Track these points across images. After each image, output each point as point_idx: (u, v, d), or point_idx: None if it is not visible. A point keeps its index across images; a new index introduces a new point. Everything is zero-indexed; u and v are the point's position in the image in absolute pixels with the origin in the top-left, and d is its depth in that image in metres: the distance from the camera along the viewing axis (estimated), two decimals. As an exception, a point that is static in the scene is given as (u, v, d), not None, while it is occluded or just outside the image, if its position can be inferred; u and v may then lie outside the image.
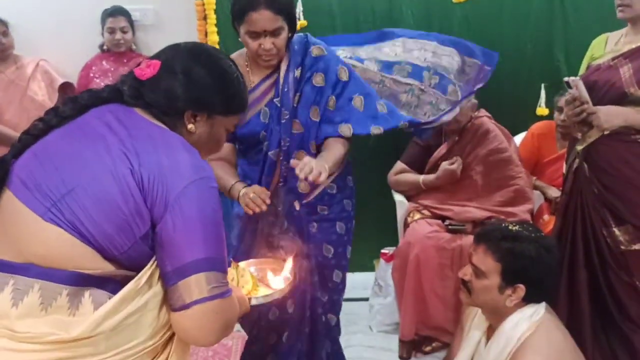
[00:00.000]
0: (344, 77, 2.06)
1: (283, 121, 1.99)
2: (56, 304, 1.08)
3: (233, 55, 1.94)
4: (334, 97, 2.03)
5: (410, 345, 2.83)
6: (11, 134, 3.12)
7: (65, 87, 3.41)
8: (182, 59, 1.25)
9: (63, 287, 1.08)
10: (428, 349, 2.85)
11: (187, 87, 1.23)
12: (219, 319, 1.14)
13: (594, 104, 2.16)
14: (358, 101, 2.06)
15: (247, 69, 2.00)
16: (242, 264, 1.64)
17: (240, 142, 2.08)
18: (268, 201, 1.85)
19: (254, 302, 1.49)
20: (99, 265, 1.10)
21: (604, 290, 2.23)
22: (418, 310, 2.78)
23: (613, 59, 2.19)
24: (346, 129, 2.02)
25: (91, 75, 3.38)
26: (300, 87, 2.00)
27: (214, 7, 3.44)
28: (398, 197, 3.08)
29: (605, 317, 2.27)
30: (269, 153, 2.00)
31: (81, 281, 1.09)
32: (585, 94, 2.17)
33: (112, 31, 3.34)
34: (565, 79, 2.22)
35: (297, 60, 2.00)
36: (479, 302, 1.70)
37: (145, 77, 1.23)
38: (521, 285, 1.61)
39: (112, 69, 3.38)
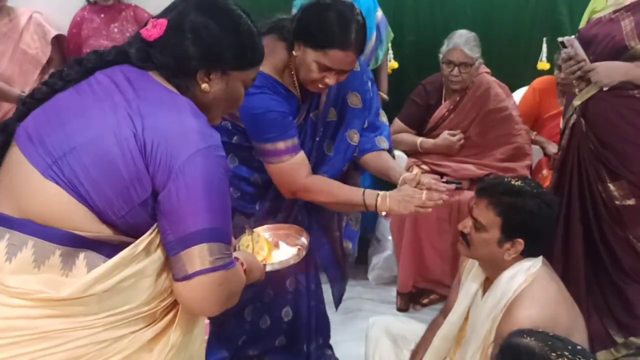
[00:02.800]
0: (371, 92, 1.98)
1: (317, 139, 1.89)
2: (49, 263, 1.07)
3: (269, 57, 1.55)
4: (367, 118, 1.96)
5: (408, 298, 2.89)
6: (3, 87, 3.09)
7: (59, 39, 3.36)
8: (190, 14, 1.18)
9: (56, 247, 1.07)
10: (425, 301, 2.91)
11: (196, 44, 1.17)
12: (222, 290, 1.12)
13: (594, 58, 2.15)
14: (383, 116, 2.02)
15: (294, 82, 1.80)
16: (257, 229, 1.62)
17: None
18: (445, 196, 1.73)
19: (269, 267, 1.49)
20: (95, 228, 1.09)
21: (598, 244, 2.27)
22: (416, 263, 2.83)
23: (615, 11, 2.16)
24: (383, 142, 1.96)
25: (84, 34, 3.30)
26: (338, 104, 1.89)
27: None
28: (397, 153, 3.08)
29: (599, 270, 2.31)
30: None
31: (75, 242, 1.08)
32: (581, 52, 2.15)
33: None
34: (560, 39, 2.21)
35: None
36: (477, 254, 1.72)
37: (153, 38, 1.17)
38: (520, 240, 1.63)
39: (105, 25, 3.31)
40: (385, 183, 3.08)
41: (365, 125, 1.95)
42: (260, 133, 1.75)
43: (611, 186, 2.21)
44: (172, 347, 1.14)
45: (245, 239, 1.55)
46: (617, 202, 2.21)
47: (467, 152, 2.94)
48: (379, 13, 3.13)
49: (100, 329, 1.07)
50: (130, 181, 1.08)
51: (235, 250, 1.49)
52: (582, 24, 2.35)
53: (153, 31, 1.18)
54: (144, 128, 1.08)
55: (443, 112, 2.99)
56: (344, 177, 1.97)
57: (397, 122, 3.08)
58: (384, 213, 1.77)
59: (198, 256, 1.08)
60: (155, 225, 1.11)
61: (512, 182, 1.69)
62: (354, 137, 1.91)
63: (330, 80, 1.70)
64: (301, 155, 1.78)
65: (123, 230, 1.11)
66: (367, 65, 2.02)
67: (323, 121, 1.88)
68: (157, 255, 1.11)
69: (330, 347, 2.30)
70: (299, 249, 1.59)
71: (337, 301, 2.23)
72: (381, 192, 1.75)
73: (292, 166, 1.76)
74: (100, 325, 1.07)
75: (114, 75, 1.17)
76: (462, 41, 2.84)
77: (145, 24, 1.20)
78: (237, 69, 1.22)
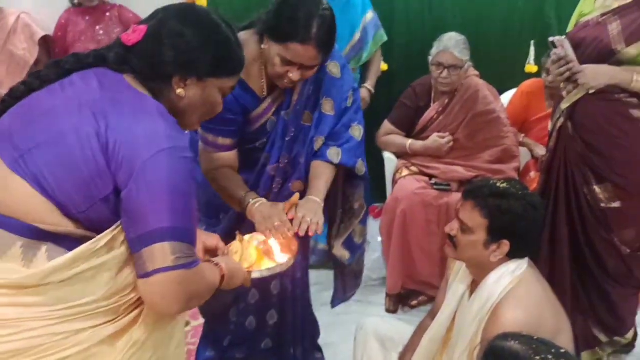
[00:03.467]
0: (350, 102, 1.91)
1: (287, 139, 1.85)
2: (10, 253, 1.10)
3: (246, 46, 1.59)
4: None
5: (397, 299, 2.90)
6: None
7: (46, 40, 3.35)
8: (170, 21, 1.22)
9: (17, 238, 1.10)
10: (414, 302, 2.92)
11: (173, 50, 1.20)
12: (182, 290, 1.13)
13: (581, 61, 2.16)
14: (357, 130, 1.92)
15: (262, 76, 1.79)
16: (247, 237, 1.62)
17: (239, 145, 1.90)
18: (292, 232, 1.67)
19: (256, 275, 1.49)
20: (57, 222, 1.11)
21: (583, 246, 2.29)
22: (405, 265, 2.84)
23: (602, 15, 2.17)
24: (335, 155, 1.86)
25: (70, 37, 3.28)
26: (311, 107, 1.85)
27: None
28: (387, 154, 3.10)
29: (584, 272, 2.33)
30: (268, 167, 1.87)
31: (37, 235, 1.10)
32: (571, 53, 2.16)
33: None
34: (551, 38, 2.21)
35: (313, 75, 1.80)
36: (464, 256, 1.73)
37: (131, 43, 1.22)
38: (506, 241, 1.64)
39: (90, 27, 3.29)
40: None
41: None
42: (206, 122, 1.73)
43: (597, 189, 2.22)
44: (135, 343, 1.16)
45: (235, 246, 1.55)
46: (602, 205, 2.22)
47: (455, 154, 2.95)
48: (369, 15, 3.14)
49: (56, 321, 1.09)
50: (91, 178, 1.10)
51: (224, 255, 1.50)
52: (570, 27, 2.36)
53: (132, 36, 1.22)
54: (108, 127, 1.11)
55: (432, 114, 3.00)
56: (349, 189, 1.98)
57: (387, 124, 3.09)
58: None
59: (159, 254, 1.10)
60: (119, 222, 1.13)
61: (498, 184, 1.70)
62: (319, 142, 1.87)
63: (294, 75, 1.68)
64: (229, 154, 1.82)
65: (86, 225, 1.13)
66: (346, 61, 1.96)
67: (295, 122, 1.85)
68: (121, 251, 1.13)
69: (320, 349, 2.30)
70: (288, 258, 1.58)
71: (335, 303, 2.22)
72: (262, 200, 1.76)
73: (219, 158, 1.82)
74: (56, 317, 1.09)
75: (87, 77, 1.21)
76: (452, 44, 2.86)
77: (127, 29, 1.25)
78: (213, 76, 1.25)
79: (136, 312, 1.17)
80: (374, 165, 3.16)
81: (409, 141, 3.01)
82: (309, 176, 1.87)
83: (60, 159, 1.11)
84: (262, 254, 1.57)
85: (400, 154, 3.06)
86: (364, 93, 3.14)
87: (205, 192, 1.94)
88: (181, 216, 1.12)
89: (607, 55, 2.13)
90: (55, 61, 1.26)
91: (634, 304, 2.40)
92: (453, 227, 1.72)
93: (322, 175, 1.84)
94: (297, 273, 2.09)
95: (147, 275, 1.11)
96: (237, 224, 1.90)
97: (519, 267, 1.66)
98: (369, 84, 3.23)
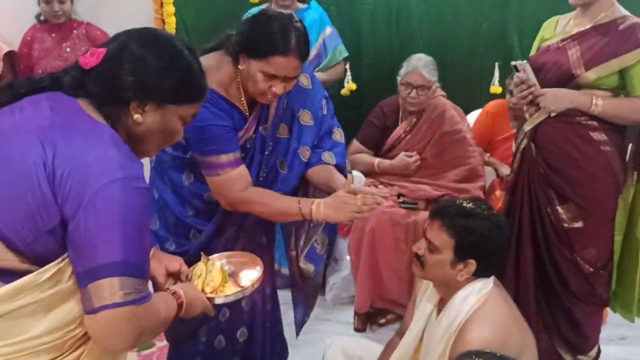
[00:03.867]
0: (325, 110, 1.98)
1: (266, 153, 1.89)
2: None
3: (211, 71, 1.66)
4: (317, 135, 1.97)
5: (365, 318, 2.90)
6: None
7: (11, 55, 3.29)
8: (131, 45, 1.18)
9: None
10: (382, 321, 2.93)
11: (132, 75, 1.16)
12: (131, 326, 1.07)
13: (543, 85, 2.21)
14: (338, 134, 2.01)
15: (241, 95, 1.80)
16: (212, 257, 1.57)
17: None
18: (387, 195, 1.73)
19: (220, 300, 1.44)
20: (1, 255, 1.06)
21: (547, 265, 2.33)
22: (373, 283, 2.85)
23: (562, 40, 2.24)
24: (330, 158, 1.94)
25: (35, 54, 3.23)
26: (287, 120, 1.90)
27: (171, -23, 3.37)
28: (355, 172, 3.12)
29: (548, 291, 2.37)
30: None
31: None
32: (532, 77, 2.22)
33: (49, 2, 3.17)
34: (513, 63, 2.27)
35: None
36: (431, 275, 1.75)
37: (89, 67, 1.17)
38: (472, 261, 1.67)
39: (56, 44, 3.24)
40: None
41: (316, 142, 1.97)
42: (201, 145, 1.75)
43: (560, 209, 2.27)
44: None
45: (199, 268, 1.49)
46: (565, 225, 2.26)
47: (422, 172, 2.99)
48: (328, 30, 3.17)
49: None
50: (37, 209, 1.05)
51: (188, 278, 1.46)
52: (533, 51, 2.43)
53: (90, 59, 1.17)
54: (55, 156, 1.06)
55: (400, 134, 3.04)
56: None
57: (355, 143, 3.11)
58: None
59: (107, 290, 1.04)
60: (65, 255, 1.07)
61: (464, 205, 1.73)
62: (306, 153, 1.92)
63: (278, 88, 1.71)
64: (241, 168, 1.79)
65: (31, 258, 1.08)
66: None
67: (272, 136, 1.88)
68: (67, 285, 1.08)
69: (288, 368, 2.29)
70: (253, 280, 1.53)
71: (298, 326, 2.21)
72: (316, 200, 1.76)
73: (231, 178, 1.77)
74: None
75: (39, 101, 1.17)
76: (421, 64, 2.91)
77: (85, 52, 1.21)
78: (173, 102, 1.21)
79: (82, 349, 1.12)
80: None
81: (377, 160, 3.04)
82: (316, 176, 1.91)
83: (5, 189, 1.06)
84: (227, 276, 1.52)
85: (368, 173, 3.08)
86: None
87: (173, 212, 1.92)
88: (132, 250, 1.07)
89: (567, 79, 2.19)
90: (10, 84, 1.22)
91: (597, 321, 2.44)
92: (420, 247, 1.74)
93: (331, 172, 1.89)
94: (267, 289, 2.08)
95: (93, 311, 1.05)
96: (210, 242, 1.89)
97: (485, 286, 1.68)
98: (317, 75, 3.17)
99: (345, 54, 3.22)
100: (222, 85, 1.77)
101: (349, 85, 3.44)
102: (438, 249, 1.69)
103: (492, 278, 1.73)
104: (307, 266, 2.07)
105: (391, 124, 3.07)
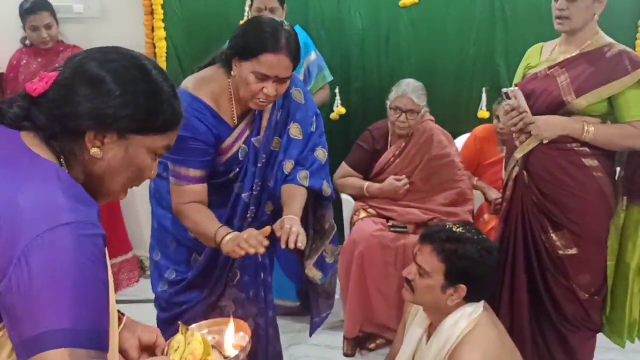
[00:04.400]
0: (314, 127, 2.00)
1: (259, 165, 1.90)
2: None
3: (204, 83, 1.80)
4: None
5: (354, 343, 2.88)
6: None
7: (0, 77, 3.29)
8: (86, 65, 1.00)
9: None
10: (372, 346, 2.91)
11: (86, 100, 0.97)
12: None
13: (532, 112, 2.23)
14: (321, 153, 2.00)
15: (232, 105, 1.83)
16: (193, 327, 1.36)
17: (210, 181, 1.87)
18: (266, 242, 1.64)
19: None
20: None
21: (542, 293, 2.32)
22: (362, 307, 2.83)
23: (549, 68, 2.26)
24: (304, 178, 1.93)
25: (22, 78, 3.21)
26: (280, 132, 1.92)
27: (162, 2, 3.40)
28: (345, 197, 3.13)
29: (543, 319, 2.35)
30: (243, 195, 1.89)
31: None
32: (524, 104, 2.23)
33: (35, 29, 3.15)
34: (504, 90, 2.28)
35: (280, 101, 1.89)
36: (421, 300, 1.75)
37: (37, 93, 0.99)
38: (463, 286, 1.67)
39: (43, 69, 3.23)
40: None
41: (300, 157, 1.96)
42: (173, 152, 1.65)
43: (554, 236, 2.26)
44: None
45: (177, 340, 1.28)
46: (560, 252, 2.26)
47: (412, 196, 3.00)
48: (313, 56, 3.20)
49: None
50: None
51: (164, 352, 1.26)
52: (517, 79, 2.44)
53: (38, 85, 1.00)
54: None
55: (389, 158, 3.06)
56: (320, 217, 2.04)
57: (345, 167, 3.12)
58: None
59: None
60: (2, 324, 0.89)
61: (454, 229, 1.74)
62: (289, 167, 1.93)
63: (269, 89, 1.71)
64: (199, 187, 1.80)
65: None
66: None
67: (266, 148, 1.89)
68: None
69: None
70: (243, 346, 1.32)
71: (313, 326, 2.25)
72: (231, 232, 1.72)
73: (185, 190, 1.79)
74: None
75: None
76: (410, 89, 2.94)
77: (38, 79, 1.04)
78: (138, 133, 1.01)
79: None
80: (332, 207, 3.19)
81: (367, 184, 3.05)
82: (281, 200, 1.89)
83: None
84: (210, 347, 1.29)
85: (358, 196, 3.09)
86: None
87: (174, 238, 1.93)
88: (84, 313, 0.87)
89: (557, 106, 2.20)
90: None
91: (591, 347, 2.43)
92: (411, 272, 1.75)
93: (296, 197, 1.86)
94: (270, 311, 2.10)
95: None
96: (209, 265, 1.90)
97: (475, 311, 1.68)
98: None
99: (330, 78, 3.24)
100: (213, 96, 1.80)
101: (339, 109, 3.46)
102: (429, 273, 1.69)
103: (482, 302, 1.73)
104: (315, 273, 2.08)
105: (380, 148, 3.09)
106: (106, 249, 0.95)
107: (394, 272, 2.81)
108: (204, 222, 1.78)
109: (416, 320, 1.81)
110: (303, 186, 1.91)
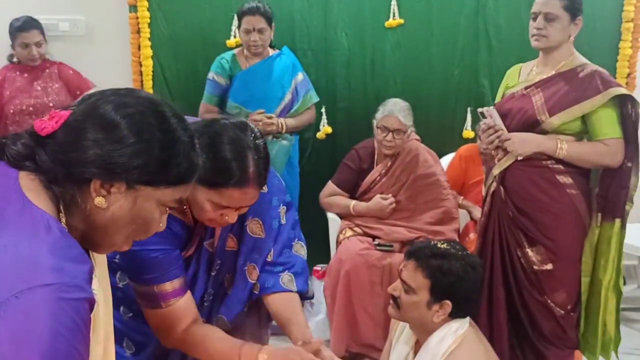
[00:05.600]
0: (283, 219, 1.63)
1: (213, 273, 1.57)
2: None
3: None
4: (272, 249, 1.61)
5: (340, 363, 2.85)
6: None
7: None
8: (100, 107, 0.92)
9: None
10: (358, 366, 2.88)
11: (96, 146, 0.90)
12: None
13: (509, 130, 2.28)
14: (300, 247, 1.68)
15: (186, 210, 1.48)
16: None
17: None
18: None
19: None
20: None
21: (519, 308, 2.33)
22: (348, 327, 2.81)
23: (526, 88, 2.31)
24: (289, 282, 1.60)
25: (7, 94, 3.20)
26: (236, 230, 1.57)
27: (148, 20, 3.41)
28: (331, 215, 3.12)
29: (520, 334, 2.36)
30: None
31: None
32: (499, 122, 2.29)
33: (26, 46, 3.17)
34: (480, 110, 2.35)
35: None
36: (407, 317, 1.74)
37: (45, 133, 0.91)
38: (448, 301, 1.67)
39: (28, 84, 3.23)
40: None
41: (269, 258, 1.61)
42: (140, 273, 1.43)
43: (529, 251, 2.29)
44: None
45: None
46: (535, 267, 2.28)
47: (398, 215, 3.00)
48: (300, 76, 3.21)
49: None
50: None
51: None
52: (498, 98, 2.50)
53: (48, 124, 0.91)
54: None
55: (375, 176, 3.07)
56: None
57: (331, 185, 3.13)
58: None
59: None
60: None
61: (439, 245, 1.75)
62: (253, 273, 1.59)
63: (231, 217, 1.40)
64: (187, 297, 1.48)
65: None
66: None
67: (220, 252, 1.56)
68: None
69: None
70: None
71: None
72: (264, 350, 1.39)
73: (176, 311, 1.44)
74: None
75: None
76: (397, 109, 2.96)
77: (44, 116, 0.95)
78: (148, 184, 0.93)
79: None
80: (318, 226, 3.19)
81: (353, 202, 3.05)
82: (273, 311, 1.57)
83: None
84: None
85: (344, 215, 3.08)
86: (278, 121, 3.05)
87: None
88: None
89: (532, 125, 2.25)
90: None
91: None
92: (396, 288, 1.74)
93: (296, 309, 1.56)
94: None
95: None
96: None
97: (461, 327, 1.68)
98: (288, 120, 3.11)
99: (316, 99, 3.25)
100: None
101: (325, 128, 3.49)
102: (413, 289, 1.69)
103: (468, 319, 1.72)
104: None
105: (366, 166, 3.10)
106: (92, 314, 0.85)
107: (380, 291, 2.80)
108: (216, 347, 1.43)
109: (402, 337, 1.81)
110: (290, 291, 1.58)
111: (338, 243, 3.00)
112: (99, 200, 0.91)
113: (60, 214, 0.91)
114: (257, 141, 1.38)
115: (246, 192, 1.36)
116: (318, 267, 3.11)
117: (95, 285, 0.92)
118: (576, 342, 2.37)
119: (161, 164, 0.93)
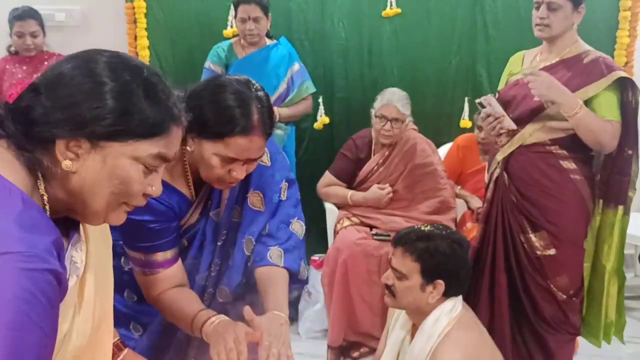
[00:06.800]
0: (284, 195, 1.63)
1: (219, 243, 1.58)
2: None
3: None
4: (269, 223, 1.60)
5: (338, 351, 2.87)
6: None
7: None
8: (64, 65, 0.90)
9: None
10: (356, 354, 2.90)
11: (52, 104, 0.86)
12: None
13: (514, 116, 2.28)
14: (298, 226, 1.65)
15: (188, 176, 1.50)
16: None
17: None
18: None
19: None
20: None
21: (521, 293, 2.35)
22: (346, 316, 2.82)
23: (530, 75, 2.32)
24: (277, 257, 1.58)
25: (6, 85, 3.22)
26: (241, 201, 1.58)
27: (145, 10, 3.40)
28: (328, 205, 3.13)
29: (521, 319, 2.38)
30: (197, 277, 1.59)
31: None
32: (498, 109, 2.28)
33: (21, 35, 3.18)
34: (477, 100, 2.34)
35: None
36: (403, 303, 1.76)
37: (12, 99, 0.90)
38: (440, 281, 1.71)
39: (28, 76, 3.24)
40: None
41: (265, 231, 1.59)
42: (133, 241, 1.45)
43: (532, 237, 2.30)
44: None
45: None
46: (538, 252, 2.30)
47: (395, 205, 3.01)
48: (296, 66, 3.20)
49: None
50: None
51: None
52: (501, 85, 2.50)
53: (14, 91, 0.90)
54: None
55: (372, 166, 3.07)
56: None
57: (328, 175, 3.13)
58: None
59: None
60: None
61: (423, 228, 1.78)
62: (250, 245, 1.58)
63: (239, 173, 1.40)
64: (175, 267, 1.50)
65: None
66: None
67: (227, 222, 1.57)
68: None
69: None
70: None
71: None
72: (217, 317, 1.37)
73: (159, 279, 1.47)
74: None
75: None
76: (396, 98, 2.96)
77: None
78: (111, 138, 0.88)
79: None
80: (316, 216, 3.20)
81: (350, 192, 3.05)
82: (257, 284, 1.55)
83: None
84: None
85: (342, 205, 3.09)
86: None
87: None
88: None
89: (536, 110, 2.25)
90: None
91: (570, 350, 2.45)
92: (389, 277, 1.76)
93: (277, 282, 1.52)
94: None
95: None
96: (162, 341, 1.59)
97: (455, 308, 1.71)
98: (282, 110, 3.10)
99: (312, 90, 3.25)
100: (165, 168, 1.38)
101: (322, 118, 3.48)
102: (405, 275, 1.72)
103: (461, 300, 1.75)
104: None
105: (364, 156, 3.10)
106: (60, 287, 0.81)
107: (377, 280, 2.80)
108: (183, 306, 1.44)
109: (399, 323, 1.83)
110: (276, 265, 1.56)
111: (335, 233, 3.01)
112: (66, 164, 0.87)
113: (39, 182, 0.88)
114: (259, 93, 1.40)
115: (252, 140, 1.36)
116: (316, 257, 3.12)
117: (77, 258, 0.91)
118: (577, 328, 2.39)
119: (120, 114, 0.88)
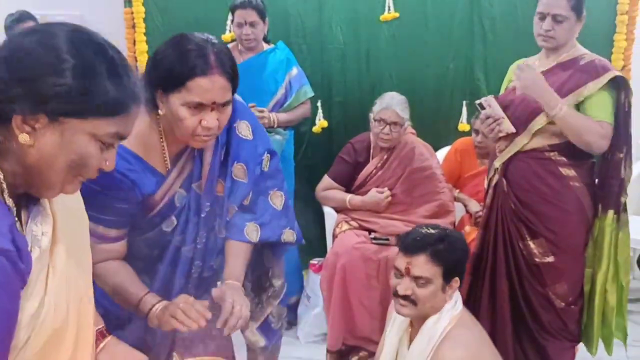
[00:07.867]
0: (266, 166, 1.70)
1: (203, 215, 1.60)
2: None
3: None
4: (250, 194, 1.67)
5: (337, 356, 2.86)
6: None
7: None
8: (17, 38, 0.88)
9: None
10: (355, 358, 2.88)
11: (9, 79, 0.85)
12: None
13: (512, 120, 2.28)
14: (277, 198, 1.72)
15: (163, 147, 1.52)
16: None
17: (140, 235, 1.59)
18: (208, 315, 1.40)
19: None
20: None
21: (520, 300, 2.34)
22: (345, 320, 2.82)
23: None
24: (253, 233, 1.65)
25: None
26: (224, 174, 1.62)
27: (144, 15, 3.40)
28: (327, 209, 3.13)
29: (520, 326, 2.37)
30: (184, 249, 1.61)
31: None
32: (499, 111, 2.29)
33: None
34: (477, 101, 2.35)
35: (223, 139, 1.59)
36: (425, 309, 1.76)
37: None
38: (456, 277, 1.76)
39: None
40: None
41: (246, 202, 1.67)
42: (92, 209, 1.37)
43: (531, 244, 2.29)
44: None
45: None
46: (537, 259, 2.29)
47: (394, 208, 3.01)
48: (294, 70, 3.20)
49: None
50: None
51: None
52: (502, 92, 2.51)
53: None
54: None
55: (371, 170, 3.07)
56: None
57: (327, 179, 3.13)
58: None
59: None
60: None
61: (430, 231, 1.80)
62: (232, 212, 1.66)
63: (209, 120, 1.41)
64: (117, 245, 1.52)
65: None
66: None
67: (209, 194, 1.60)
68: None
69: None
70: None
71: None
72: (161, 303, 1.45)
73: (100, 249, 1.46)
74: None
75: None
76: (394, 102, 2.97)
77: None
78: (70, 115, 0.87)
79: None
80: (315, 220, 3.20)
81: (349, 196, 3.05)
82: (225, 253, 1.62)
83: None
84: None
85: (340, 209, 3.09)
86: (269, 115, 3.04)
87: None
88: None
89: (534, 113, 2.25)
90: None
91: (569, 357, 2.44)
92: (407, 288, 1.75)
93: (239, 254, 1.62)
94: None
95: None
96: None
97: (455, 307, 1.73)
98: (280, 115, 3.10)
99: (311, 94, 3.24)
100: (139, 140, 1.47)
101: (321, 122, 3.49)
102: (429, 280, 1.74)
103: (460, 299, 1.78)
104: (257, 338, 1.83)
105: (362, 160, 3.11)
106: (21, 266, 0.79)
107: (376, 284, 2.81)
108: (125, 287, 1.48)
109: (396, 324, 1.83)
110: (245, 242, 1.64)
111: (334, 237, 3.01)
112: (22, 137, 0.86)
113: None
114: (213, 40, 1.45)
115: (213, 80, 1.40)
116: (314, 261, 3.12)
117: (38, 231, 0.92)
118: (577, 336, 2.37)
119: (80, 92, 0.87)
